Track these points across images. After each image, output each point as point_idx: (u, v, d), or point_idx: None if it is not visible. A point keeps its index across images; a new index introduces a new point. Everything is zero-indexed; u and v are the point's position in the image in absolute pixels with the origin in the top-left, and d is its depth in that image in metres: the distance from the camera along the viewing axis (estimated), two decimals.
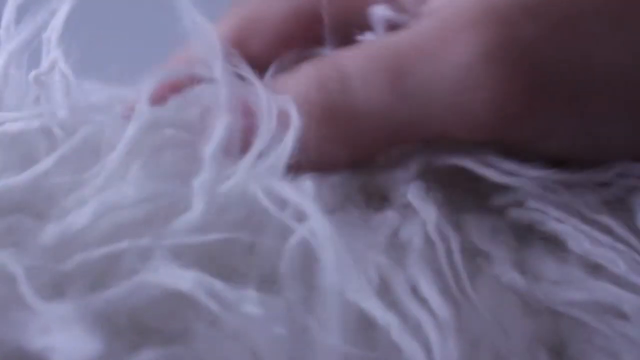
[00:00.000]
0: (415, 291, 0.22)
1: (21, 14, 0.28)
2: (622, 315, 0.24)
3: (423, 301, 0.22)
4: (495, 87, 0.24)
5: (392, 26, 0.28)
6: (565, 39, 0.24)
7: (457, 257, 0.24)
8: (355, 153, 0.26)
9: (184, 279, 0.20)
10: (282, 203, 0.23)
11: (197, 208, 0.22)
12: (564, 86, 0.25)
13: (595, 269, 0.26)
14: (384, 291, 0.22)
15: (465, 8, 0.24)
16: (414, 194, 0.26)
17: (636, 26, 0.25)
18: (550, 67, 0.24)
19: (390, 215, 0.26)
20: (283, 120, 0.24)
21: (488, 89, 0.24)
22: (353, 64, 0.25)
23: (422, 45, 0.25)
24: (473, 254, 0.25)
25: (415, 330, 0.21)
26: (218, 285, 0.20)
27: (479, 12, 0.24)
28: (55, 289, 0.21)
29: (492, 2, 0.24)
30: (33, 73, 0.27)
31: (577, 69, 0.25)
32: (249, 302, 0.20)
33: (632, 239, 0.26)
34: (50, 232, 0.22)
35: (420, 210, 0.25)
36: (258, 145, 0.24)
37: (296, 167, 0.24)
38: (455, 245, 0.24)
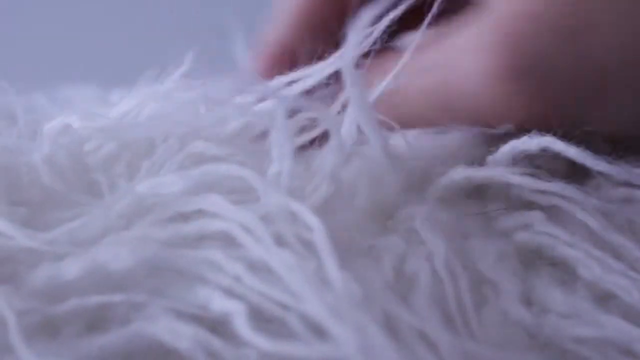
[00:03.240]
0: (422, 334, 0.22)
1: None
2: (632, 354, 0.23)
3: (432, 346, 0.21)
4: (511, 99, 0.27)
5: None
6: (571, 47, 0.27)
7: (465, 295, 0.23)
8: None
9: (181, 335, 0.20)
10: None
11: None
12: (577, 87, 0.27)
13: (606, 298, 0.25)
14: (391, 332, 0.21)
15: (486, 29, 0.27)
16: (421, 222, 0.25)
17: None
18: (559, 74, 0.27)
19: (395, 242, 0.25)
20: None
21: (507, 103, 0.27)
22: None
23: (453, 65, 0.28)
24: (479, 283, 0.25)
25: None
26: (217, 343, 0.19)
27: (497, 36, 0.26)
28: (48, 331, 0.20)
29: (508, 24, 0.26)
30: None
31: (587, 69, 0.27)
32: None
33: None
34: (42, 275, 0.21)
35: (428, 242, 0.24)
36: None
37: None
38: (463, 283, 0.23)
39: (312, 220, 0.20)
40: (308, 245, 0.20)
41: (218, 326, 0.20)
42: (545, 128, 0.27)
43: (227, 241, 0.21)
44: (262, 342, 0.19)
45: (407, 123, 0.29)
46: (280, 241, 0.21)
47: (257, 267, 0.21)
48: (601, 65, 0.27)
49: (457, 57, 0.27)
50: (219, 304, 0.20)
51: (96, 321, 0.21)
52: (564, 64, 0.26)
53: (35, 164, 0.23)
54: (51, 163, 0.23)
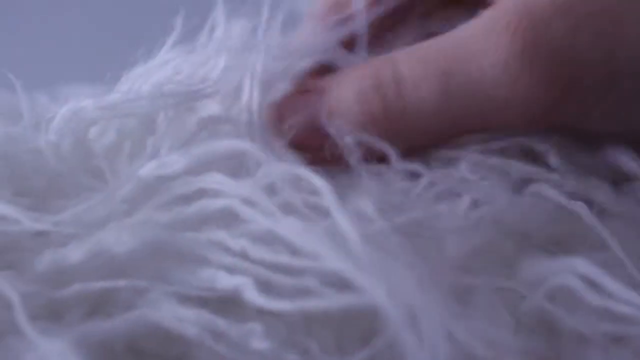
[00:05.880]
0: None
1: None
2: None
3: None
4: (529, 82, 0.27)
5: None
6: (591, 33, 0.27)
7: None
8: (408, 147, 0.28)
9: (187, 321, 0.20)
10: None
11: None
12: (592, 76, 0.27)
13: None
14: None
15: (502, 12, 0.27)
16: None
17: None
18: (578, 61, 0.27)
19: None
20: None
21: (523, 85, 0.27)
22: (407, 67, 0.28)
23: (465, 48, 0.28)
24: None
25: None
26: (221, 323, 0.19)
27: (515, 16, 0.27)
28: (52, 314, 0.20)
29: (527, 5, 0.27)
30: None
31: (603, 59, 0.27)
32: (255, 336, 0.19)
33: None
34: (46, 260, 0.21)
35: None
36: None
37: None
38: None
39: (319, 182, 0.21)
40: (315, 209, 0.20)
41: (222, 306, 0.21)
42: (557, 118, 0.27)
43: (230, 218, 0.21)
44: (279, 304, 0.19)
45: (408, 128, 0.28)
46: (286, 209, 0.21)
47: (263, 239, 0.21)
48: (615, 57, 0.27)
49: (467, 41, 0.28)
50: (225, 281, 0.20)
51: (99, 306, 0.21)
52: (580, 50, 0.27)
53: (39, 152, 0.23)
54: (55, 149, 0.23)
